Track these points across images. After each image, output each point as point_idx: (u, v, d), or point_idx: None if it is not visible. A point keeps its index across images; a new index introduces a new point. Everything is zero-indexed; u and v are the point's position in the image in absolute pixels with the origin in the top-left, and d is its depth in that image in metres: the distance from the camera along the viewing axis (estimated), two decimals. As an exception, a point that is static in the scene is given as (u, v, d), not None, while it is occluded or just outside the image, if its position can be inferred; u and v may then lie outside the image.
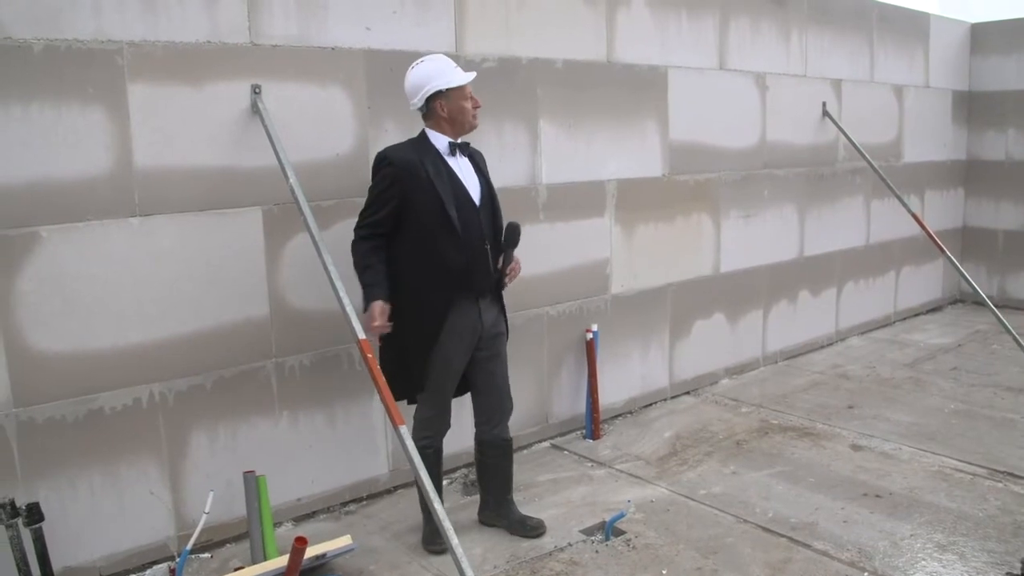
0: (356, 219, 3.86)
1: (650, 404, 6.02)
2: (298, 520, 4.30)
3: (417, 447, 3.93)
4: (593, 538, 4.11)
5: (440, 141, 3.85)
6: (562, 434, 5.43)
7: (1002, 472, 4.80)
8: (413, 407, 4.02)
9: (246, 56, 3.93)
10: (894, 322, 8.56)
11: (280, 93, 4.03)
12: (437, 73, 3.78)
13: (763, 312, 6.93)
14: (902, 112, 8.29)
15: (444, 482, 4.59)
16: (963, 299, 9.48)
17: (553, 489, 4.63)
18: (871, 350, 7.54)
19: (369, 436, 4.54)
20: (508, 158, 4.94)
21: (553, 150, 5.16)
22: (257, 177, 3.99)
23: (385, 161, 3.81)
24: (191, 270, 3.85)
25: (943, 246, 6.99)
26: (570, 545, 4.04)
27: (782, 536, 4.11)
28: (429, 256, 3.77)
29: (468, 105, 3.83)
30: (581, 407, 5.47)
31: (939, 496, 4.54)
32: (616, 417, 5.76)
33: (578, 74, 5.28)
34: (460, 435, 4.83)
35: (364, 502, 4.52)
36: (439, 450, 4.10)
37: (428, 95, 3.79)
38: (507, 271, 3.94)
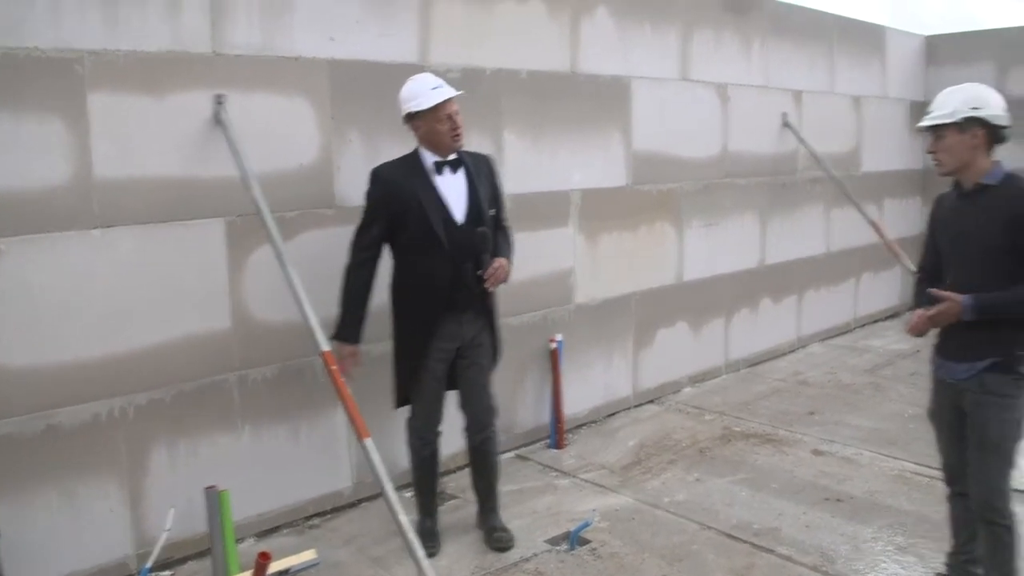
0: (320, 229, 3.86)
1: (614, 413, 6.04)
2: (261, 535, 4.26)
3: (412, 452, 4.13)
4: (558, 548, 4.11)
5: (428, 159, 3.90)
6: (527, 444, 5.44)
7: (959, 477, 4.88)
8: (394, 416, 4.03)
9: (209, 66, 3.90)
10: (854, 328, 8.68)
11: (243, 103, 4.00)
12: (411, 95, 3.82)
13: (725, 320, 6.99)
14: (860, 122, 8.43)
15: (408, 494, 4.58)
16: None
17: (518, 499, 4.63)
18: (832, 356, 7.64)
19: (333, 449, 4.51)
20: (472, 168, 4.94)
21: (517, 160, 5.18)
22: (220, 188, 3.96)
23: (376, 179, 3.91)
24: (152, 282, 3.81)
25: (901, 253, 7.10)
26: (535, 555, 4.04)
27: (745, 542, 4.15)
28: (416, 274, 3.88)
29: (443, 127, 3.81)
30: (545, 417, 5.48)
31: (899, 499, 4.62)
32: (580, 426, 5.78)
33: (542, 84, 5.30)
34: (425, 446, 4.83)
35: (328, 516, 4.49)
36: (435, 453, 4.16)
37: (404, 116, 3.86)
38: (486, 276, 3.92)
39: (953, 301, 3.10)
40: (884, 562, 3.96)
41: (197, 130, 3.88)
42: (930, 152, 3.33)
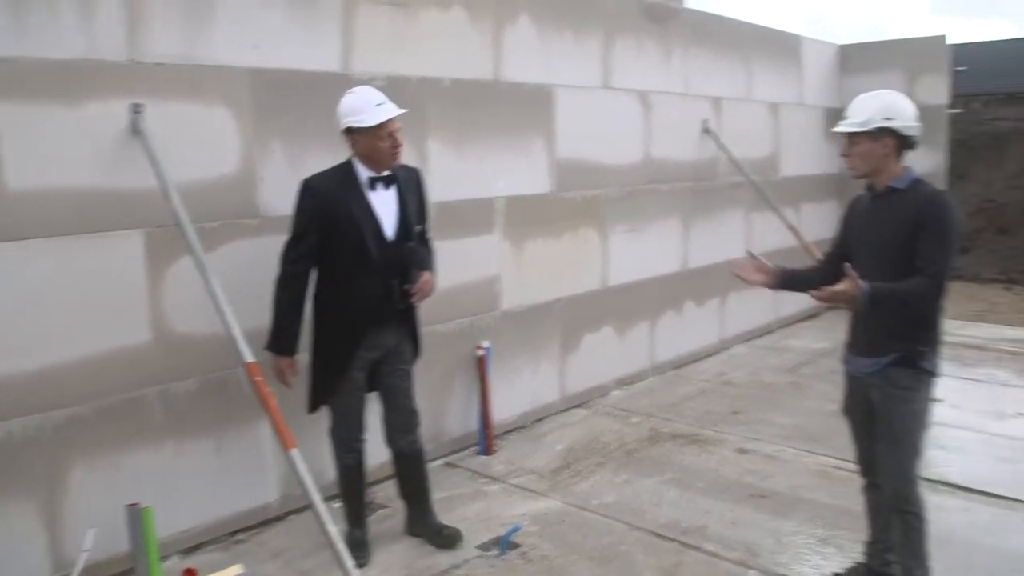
0: (243, 239, 3.80)
1: (542, 418, 6.09)
2: (186, 552, 4.17)
3: (338, 461, 4.09)
4: (489, 553, 4.13)
5: (362, 173, 3.87)
6: (455, 451, 5.44)
7: (876, 471, 5.05)
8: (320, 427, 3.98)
9: (125, 74, 3.82)
10: (775, 329, 8.90)
11: (162, 112, 3.93)
12: (352, 110, 3.79)
13: (651, 324, 7.10)
14: (778, 128, 8.66)
15: (336, 505, 4.55)
16: (838, 305, 9.90)
17: (448, 507, 4.63)
18: (754, 357, 7.83)
19: (258, 462, 4.45)
20: (397, 176, 4.94)
21: (442, 168, 5.19)
22: (138, 199, 3.88)
23: (308, 192, 3.85)
24: (68, 296, 3.71)
25: (819, 255, 7.31)
26: (466, 561, 4.05)
27: (674, 540, 4.23)
28: (343, 287, 3.88)
29: (384, 144, 3.80)
30: (474, 424, 5.50)
31: (820, 493, 4.76)
32: (509, 432, 5.81)
33: (466, 92, 5.33)
34: (354, 456, 4.80)
35: (255, 530, 4.42)
36: (360, 462, 4.14)
37: (343, 129, 3.83)
38: (413, 292, 3.97)
39: (854, 283, 3.20)
40: (806, 554, 4.09)
41: (114, 140, 3.80)
42: (844, 156, 3.48)
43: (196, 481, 4.19)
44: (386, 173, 3.90)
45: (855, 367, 3.53)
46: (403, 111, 3.85)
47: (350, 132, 3.82)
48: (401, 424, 4.17)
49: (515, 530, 4.27)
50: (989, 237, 14.31)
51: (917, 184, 3.35)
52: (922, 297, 3.22)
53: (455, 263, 5.30)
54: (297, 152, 4.46)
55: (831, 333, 8.67)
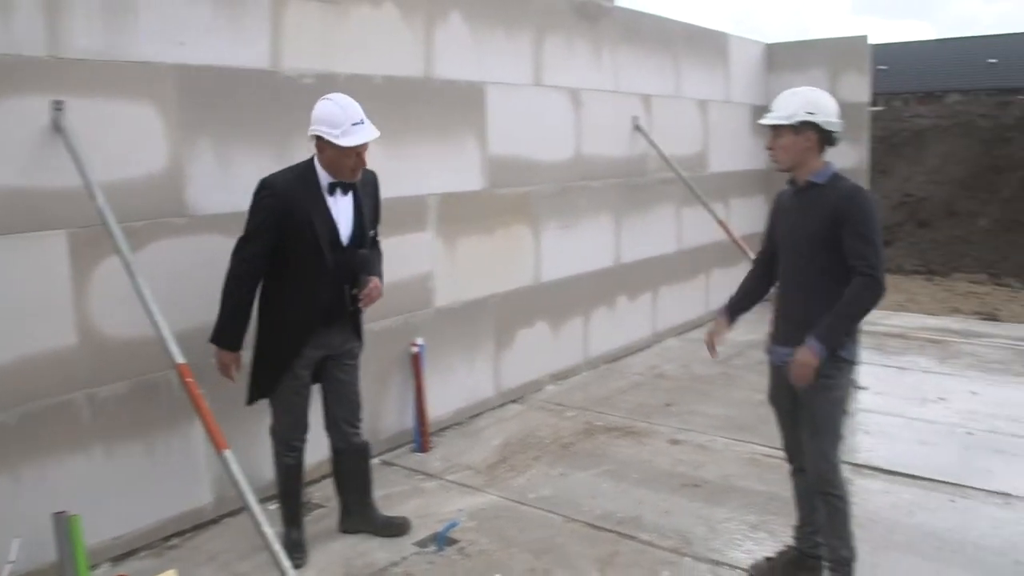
0: (172, 238, 3.74)
1: (478, 414, 6.11)
2: (117, 560, 4.08)
3: (277, 461, 4.06)
4: (427, 550, 4.14)
5: (324, 179, 3.87)
6: (391, 449, 5.43)
7: (803, 458, 5.19)
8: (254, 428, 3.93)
9: (45, 70, 3.72)
10: (706, 322, 9.02)
11: (86, 109, 3.84)
12: (329, 122, 3.74)
13: (584, 319, 7.18)
14: (706, 125, 8.82)
15: (272, 506, 4.52)
16: (768, 298, 10.13)
17: (385, 505, 4.61)
18: (686, 350, 7.96)
19: (191, 465, 4.38)
20: (329, 174, 4.91)
21: (373, 166, 5.11)
22: (61, 198, 3.78)
23: (267, 191, 3.81)
24: (-11, 299, 3.61)
25: (747, 249, 7.48)
26: (404, 559, 4.06)
27: (610, 531, 4.30)
28: (295, 289, 3.86)
29: (349, 162, 3.80)
30: (409, 421, 5.49)
31: (751, 481, 4.88)
32: (445, 429, 5.81)
33: (398, 90, 5.32)
34: (289, 456, 4.76)
35: (189, 534, 4.35)
36: (300, 462, 4.12)
37: (314, 134, 3.80)
38: (361, 296, 4.00)
39: (803, 352, 3.36)
40: (739, 540, 4.19)
41: (34, 138, 3.69)
42: (769, 148, 3.60)
43: (127, 486, 4.11)
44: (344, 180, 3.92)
45: (778, 357, 3.64)
46: (378, 134, 3.84)
47: (320, 139, 3.79)
48: (346, 417, 4.17)
49: (452, 526, 4.29)
50: (910, 230, 14.79)
51: (836, 179, 3.48)
52: (865, 298, 3.35)
53: (388, 261, 5.22)
54: (226, 150, 4.40)
55: (760, 326, 8.79)
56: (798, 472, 3.76)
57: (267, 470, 4.60)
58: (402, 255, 5.40)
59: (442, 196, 5.68)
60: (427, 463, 5.27)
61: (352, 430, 4.20)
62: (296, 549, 3.99)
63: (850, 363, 3.50)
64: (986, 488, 4.71)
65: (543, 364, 6.76)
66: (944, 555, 3.98)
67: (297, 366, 3.93)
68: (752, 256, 7.71)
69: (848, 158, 9.18)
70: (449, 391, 5.86)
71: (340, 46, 4.96)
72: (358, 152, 3.80)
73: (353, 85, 5.00)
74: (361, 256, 3.99)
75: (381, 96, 5.19)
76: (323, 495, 4.74)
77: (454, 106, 5.76)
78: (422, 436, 5.42)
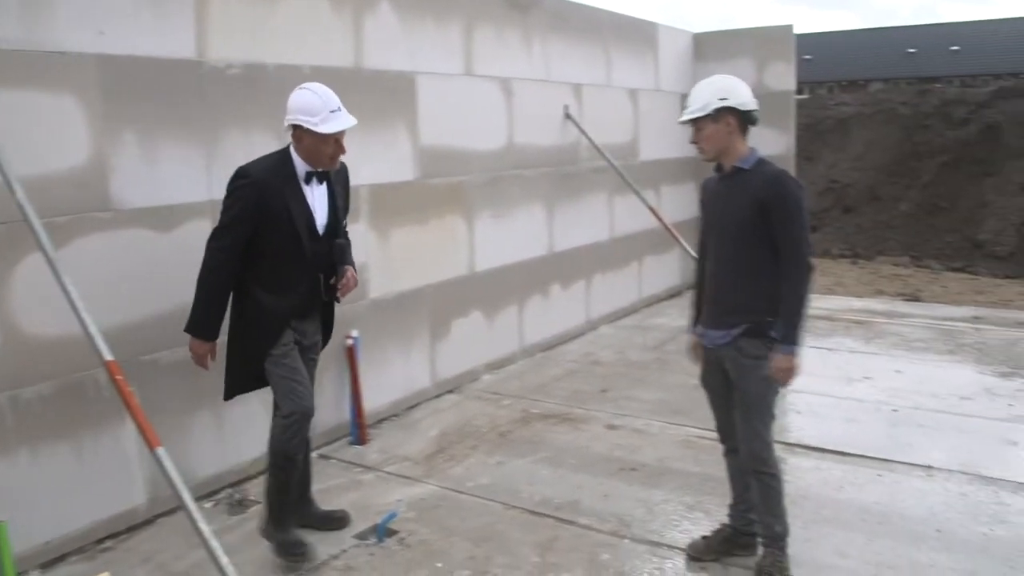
0: (96, 233, 3.64)
1: (415, 405, 6.10)
2: (46, 566, 3.97)
3: (281, 449, 3.89)
4: (367, 542, 4.13)
5: (300, 167, 3.83)
6: (328, 443, 5.39)
7: (736, 439, 5.31)
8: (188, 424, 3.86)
9: (-43, 62, 3.60)
10: (640, 309, 9.18)
11: (2, 101, 3.71)
12: (307, 111, 3.72)
13: (519, 307, 7.21)
14: (637, 113, 8.91)
15: (208, 504, 4.47)
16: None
17: (323, 499, 4.58)
18: (620, 336, 8.05)
19: (123, 465, 4.28)
20: (259, 166, 4.84)
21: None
22: (-22, 194, 3.66)
23: (245, 179, 3.75)
24: (-97, 299, 3.48)
25: (679, 236, 7.60)
26: (344, 552, 4.04)
27: (549, 516, 4.34)
28: (272, 280, 3.82)
29: (327, 149, 3.78)
30: (346, 414, 5.46)
31: (687, 463, 4.97)
32: (382, 421, 5.79)
33: (327, 80, 5.18)
34: (223, 455, 4.70)
35: (122, 536, 4.25)
36: (308, 452, 4.14)
37: (292, 123, 3.76)
38: (340, 287, 3.99)
39: (783, 361, 3.47)
40: (676, 520, 4.28)
41: (-52, 132, 3.57)
42: (693, 142, 3.65)
43: (56, 489, 4.00)
44: (319, 169, 3.88)
45: (709, 340, 3.72)
46: (355, 122, 3.82)
47: (297, 128, 3.76)
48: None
49: (392, 517, 4.28)
50: (836, 215, 15.16)
51: (761, 164, 3.56)
52: (803, 285, 3.46)
53: (322, 253, 5.24)
54: (152, 142, 4.31)
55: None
56: (731, 452, 3.84)
57: (202, 466, 4.55)
58: (335, 247, 5.36)
59: (374, 187, 5.64)
60: (365, 455, 5.24)
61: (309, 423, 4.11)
62: (301, 546, 3.93)
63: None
64: (910, 462, 4.87)
65: (479, 354, 6.77)
66: (871, 527, 4.12)
67: (281, 343, 3.86)
68: (687, 245, 7.88)
69: (775, 145, 9.36)
70: (385, 383, 5.83)
71: (268, 36, 4.89)
72: (337, 139, 3.78)
73: (282, 75, 4.93)
74: (338, 245, 3.97)
75: (310, 86, 5.13)
76: (259, 491, 4.67)
77: (385, 96, 5.72)
78: (359, 428, 5.40)
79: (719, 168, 3.67)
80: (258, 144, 4.80)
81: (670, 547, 4.01)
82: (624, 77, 8.65)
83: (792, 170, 9.60)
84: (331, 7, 5.27)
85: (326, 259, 3.94)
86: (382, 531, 4.16)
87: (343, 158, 3.95)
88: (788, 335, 3.47)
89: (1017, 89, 15.39)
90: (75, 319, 3.49)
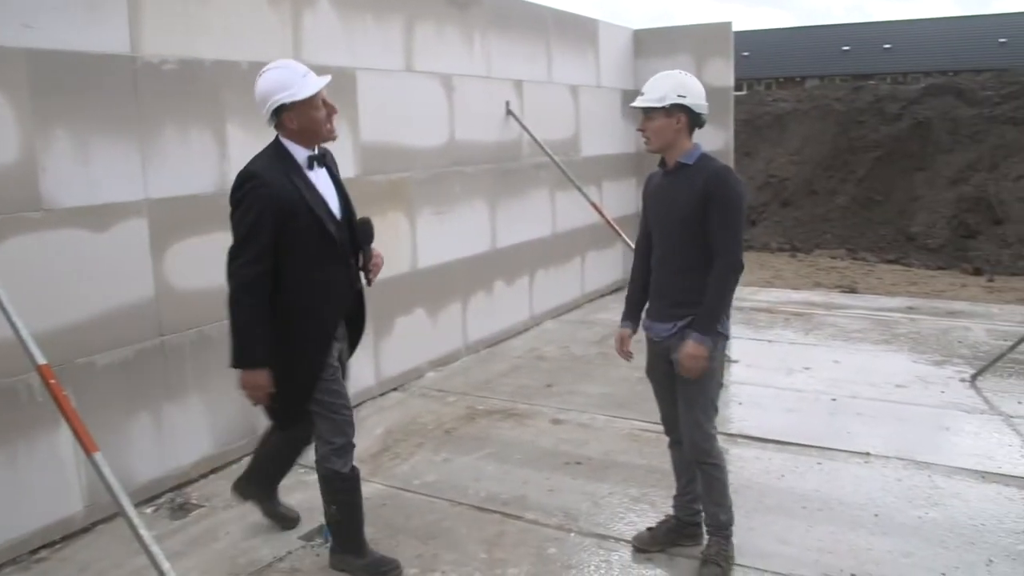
0: (26, 234, 3.53)
1: (359, 404, 6.02)
2: (-21, 574, 3.88)
3: (339, 474, 3.70)
4: (312, 543, 4.09)
5: (299, 153, 3.55)
6: (274, 443, 5.31)
7: (680, 431, 5.38)
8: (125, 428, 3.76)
9: None
10: (583, 304, 9.23)
11: (-77, 99, 3.60)
12: (280, 86, 3.46)
13: (462, 304, 7.20)
14: (578, 110, 8.95)
15: (149, 509, 4.38)
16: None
17: (268, 500, 4.54)
18: (564, 332, 8.09)
19: (58, 472, 4.16)
20: (196, 165, 4.75)
21: (242, 156, 4.92)
22: (-100, 194, 3.54)
23: (255, 180, 3.43)
24: None
25: (621, 231, 7.65)
26: (290, 553, 3.99)
27: (495, 512, 4.34)
28: (312, 280, 3.53)
29: (319, 115, 3.52)
30: (292, 414, 5.38)
31: (631, 456, 5.02)
32: (328, 420, 5.73)
33: (265, 76, 5.17)
34: (163, 458, 4.61)
35: (59, 545, 4.13)
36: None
37: (273, 109, 3.49)
38: (370, 268, 3.79)
39: (691, 347, 3.48)
40: (622, 513, 4.32)
41: None
42: (640, 130, 3.68)
43: (-13, 497, 3.89)
44: (316, 152, 3.61)
45: (654, 332, 3.75)
46: (329, 79, 3.57)
47: (281, 111, 3.47)
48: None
49: (338, 517, 4.23)
50: (775, 209, 15.41)
51: (704, 160, 3.60)
52: (728, 281, 3.52)
53: (262, 252, 5.16)
54: (85, 140, 4.20)
55: (636, 305, 9.09)
56: (676, 444, 3.89)
57: (141, 471, 4.46)
58: (276, 245, 5.28)
59: (315, 184, 5.57)
60: (309, 456, 5.15)
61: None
62: (385, 563, 3.80)
63: (723, 337, 3.64)
64: (848, 449, 4.98)
65: (423, 351, 6.74)
66: (812, 513, 4.20)
67: (331, 357, 3.64)
68: (628, 240, 7.94)
69: (715, 141, 9.48)
70: (330, 382, 5.76)
71: (204, 30, 4.79)
72: (325, 102, 3.53)
73: (219, 71, 4.86)
74: (363, 224, 3.74)
75: (249, 82, 5.00)
76: (201, 495, 4.62)
77: (328, 91, 5.63)
78: (303, 429, 5.32)
79: (663, 163, 3.71)
80: (194, 140, 4.73)
81: (617, 539, 4.05)
82: (565, 73, 8.68)
83: (731, 165, 9.75)
84: (269, 2, 5.20)
85: (353, 242, 3.70)
86: (328, 532, 4.11)
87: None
88: (702, 324, 3.50)
89: (946, 87, 15.80)
90: (5, 322, 3.39)
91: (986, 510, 4.22)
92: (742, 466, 4.78)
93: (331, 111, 3.58)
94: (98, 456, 3.28)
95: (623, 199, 9.91)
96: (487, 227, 7.51)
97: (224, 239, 4.83)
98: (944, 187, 13.61)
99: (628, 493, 4.53)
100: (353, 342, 3.94)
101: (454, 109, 6.97)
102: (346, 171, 5.81)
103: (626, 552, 3.94)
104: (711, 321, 3.51)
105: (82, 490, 4.26)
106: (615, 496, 4.51)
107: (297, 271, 3.50)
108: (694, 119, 3.59)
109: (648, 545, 3.93)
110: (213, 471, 4.89)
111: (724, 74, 9.77)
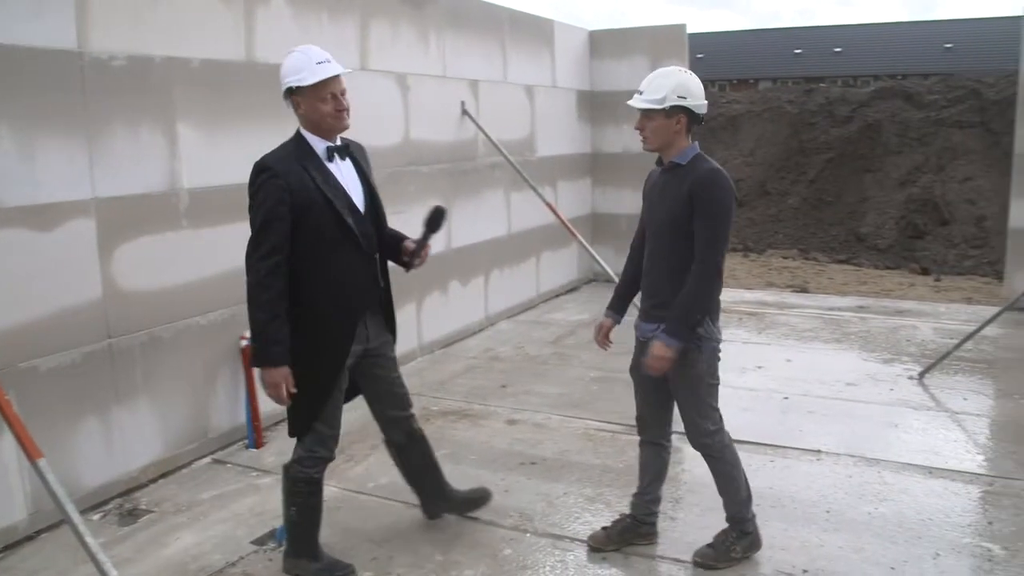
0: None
1: (316, 405, 5.98)
2: (-82, 584, 3.76)
3: (311, 478, 3.64)
4: (265, 547, 4.04)
5: (318, 144, 3.49)
6: (223, 447, 5.23)
7: (636, 426, 5.38)
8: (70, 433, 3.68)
9: None
10: (538, 304, 9.24)
11: None
12: (292, 69, 3.40)
13: (416, 304, 7.16)
14: (534, 110, 8.96)
15: (96, 516, 4.29)
16: (596, 278, 10.44)
17: (219, 504, 4.47)
18: (519, 332, 8.09)
19: (1, 479, 4.06)
20: (146, 163, 4.66)
21: (194, 154, 4.95)
22: None
23: (267, 172, 3.37)
24: None
25: (576, 232, 7.68)
26: (242, 558, 3.94)
27: (450, 514, 4.31)
28: (329, 277, 3.46)
29: (325, 107, 3.42)
30: (241, 417, 5.31)
31: (586, 455, 5.03)
32: (279, 423, 5.62)
33: (218, 74, 5.10)
34: (111, 463, 4.52)
35: (0, 555, 4.03)
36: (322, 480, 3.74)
37: (284, 92, 3.45)
38: (420, 254, 3.71)
39: (658, 348, 3.51)
40: (577, 512, 4.33)
41: None
42: (638, 129, 3.63)
43: (-74, 504, 3.78)
44: (339, 143, 3.56)
45: (641, 331, 3.79)
46: (347, 70, 3.50)
47: (292, 95, 3.43)
48: (402, 416, 3.96)
49: (291, 521, 4.18)
50: (727, 210, 15.55)
51: (696, 160, 3.60)
52: (703, 286, 3.51)
53: (214, 252, 5.09)
54: (30, 139, 4.09)
55: (590, 305, 9.13)
56: (646, 444, 3.93)
57: (88, 476, 4.37)
58: (228, 246, 5.18)
59: (268, 184, 5.49)
60: (261, 459, 5.12)
61: (408, 417, 3.97)
62: (339, 567, 3.75)
63: (708, 340, 3.63)
64: (800, 447, 5.05)
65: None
66: (765, 510, 4.23)
67: (346, 364, 3.58)
68: (583, 241, 7.98)
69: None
70: (283, 384, 5.69)
71: (155, 27, 4.70)
72: (332, 94, 3.42)
73: (170, 68, 4.77)
74: (436, 211, 3.75)
75: (200, 80, 4.98)
76: (150, 500, 4.53)
77: (279, 91, 5.55)
78: (255, 432, 5.26)
79: (660, 162, 3.71)
80: (144, 138, 4.64)
81: (572, 539, 4.05)
82: (521, 74, 8.68)
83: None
84: (220, -1, 5.12)
85: (372, 241, 3.60)
86: (281, 536, 4.06)
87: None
88: (672, 326, 3.50)
89: (895, 90, 16.07)
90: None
91: (933, 505, 4.30)
92: (696, 465, 4.77)
93: (338, 105, 3.46)
94: (42, 462, 3.20)
95: (578, 199, 9.94)
96: (442, 227, 7.45)
97: (175, 238, 4.81)
98: (893, 188, 13.86)
99: (583, 493, 4.54)
100: (391, 332, 3.91)
101: (409, 109, 6.93)
102: (299, 170, 5.75)
103: (582, 552, 3.94)
104: (680, 323, 3.50)
105: (26, 497, 4.14)
106: (570, 496, 4.51)
107: (314, 266, 3.44)
108: (693, 119, 3.58)
109: (603, 544, 3.94)
110: (163, 475, 4.81)
111: (679, 76, 9.79)
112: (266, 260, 3.34)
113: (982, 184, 13.43)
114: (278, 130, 5.49)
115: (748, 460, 4.84)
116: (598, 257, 7.98)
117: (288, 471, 3.69)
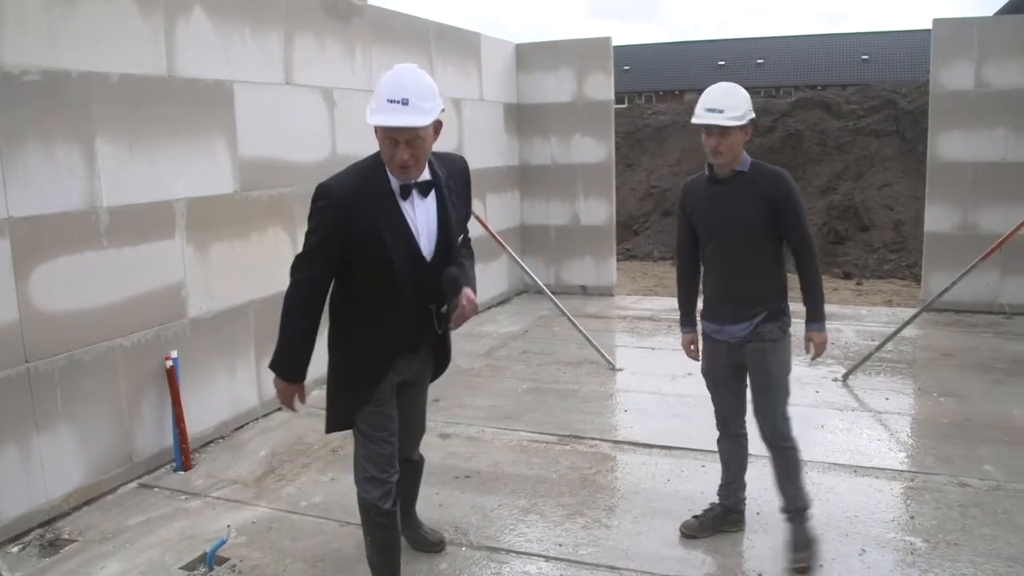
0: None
1: (242, 425, 5.88)
2: None
3: (378, 507, 3.39)
4: (195, 572, 3.95)
5: (393, 179, 3.17)
6: (150, 471, 5.10)
7: (568, 436, 5.45)
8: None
9: None
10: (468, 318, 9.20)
11: None
12: (375, 95, 3.08)
13: (351, 320, 7.08)
14: (461, 123, 8.97)
15: (15, 548, 4.15)
16: (527, 290, 10.49)
17: (146, 530, 4.35)
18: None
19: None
20: (62, 181, 4.52)
21: (114, 171, 4.83)
22: None
23: (325, 200, 3.13)
24: None
25: (505, 244, 7.70)
26: (170, 585, 3.84)
27: (384, 532, 4.27)
28: (373, 316, 3.26)
29: (386, 151, 3.09)
30: (168, 440, 5.19)
31: (520, 467, 5.04)
32: (208, 444, 5.55)
33: (137, 89, 4.99)
34: (30, 492, 4.38)
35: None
36: (397, 507, 3.45)
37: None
38: (452, 319, 3.28)
39: (819, 336, 3.90)
40: (511, 524, 4.33)
41: None
42: (713, 146, 3.68)
43: None
44: (422, 180, 3.21)
45: (727, 334, 3.91)
46: (405, 125, 3.03)
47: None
48: (412, 444, 3.83)
49: (221, 544, 4.09)
50: (656, 219, 15.77)
51: (757, 165, 3.80)
52: (818, 271, 3.88)
53: (134, 271, 4.97)
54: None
55: (521, 317, 9.17)
56: (730, 437, 4.10)
57: (6, 507, 4.22)
58: (149, 265, 5.09)
59: (190, 200, 5.40)
60: (190, 481, 5.00)
61: (414, 449, 3.87)
62: None
63: (789, 324, 3.89)
64: (730, 453, 5.12)
65: (308, 368, 6.58)
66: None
67: (383, 387, 3.36)
68: (513, 253, 8.00)
69: (596, 153, 9.66)
70: (210, 404, 5.59)
71: (70, 40, 4.58)
72: (394, 140, 3.04)
73: (88, 83, 4.66)
74: (450, 280, 3.22)
75: (119, 95, 4.86)
76: (73, 528, 4.40)
77: (200, 106, 5.49)
78: (183, 454, 5.14)
79: (710, 172, 3.83)
80: (60, 156, 4.52)
81: (507, 551, 4.05)
82: (448, 87, 8.68)
83: (613, 177, 9.95)
84: (140, 12, 5.01)
85: (434, 292, 3.27)
86: (211, 559, 3.98)
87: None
88: (818, 315, 3.86)
89: (815, 100, 16.49)
90: None
91: (858, 502, 4.42)
92: (629, 472, 4.87)
93: (398, 157, 3.07)
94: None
95: (507, 212, 9.98)
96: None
97: (95, 258, 4.69)
98: (815, 196, 14.19)
99: (517, 504, 4.55)
100: (438, 370, 3.73)
101: (336, 123, 6.88)
102: (223, 187, 5.70)
103: (518, 564, 3.95)
104: (822, 311, 3.87)
105: (-58, 528, 3.99)
106: (504, 508, 4.51)
107: (364, 302, 3.27)
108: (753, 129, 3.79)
109: (696, 532, 4.12)
110: (87, 503, 4.67)
111: (605, 88, 9.92)
112: (304, 285, 3.25)
113: (899, 190, 13.86)
114: (197, 145, 5.47)
115: (679, 466, 4.95)
116: (528, 269, 8.01)
117: (358, 493, 3.48)
